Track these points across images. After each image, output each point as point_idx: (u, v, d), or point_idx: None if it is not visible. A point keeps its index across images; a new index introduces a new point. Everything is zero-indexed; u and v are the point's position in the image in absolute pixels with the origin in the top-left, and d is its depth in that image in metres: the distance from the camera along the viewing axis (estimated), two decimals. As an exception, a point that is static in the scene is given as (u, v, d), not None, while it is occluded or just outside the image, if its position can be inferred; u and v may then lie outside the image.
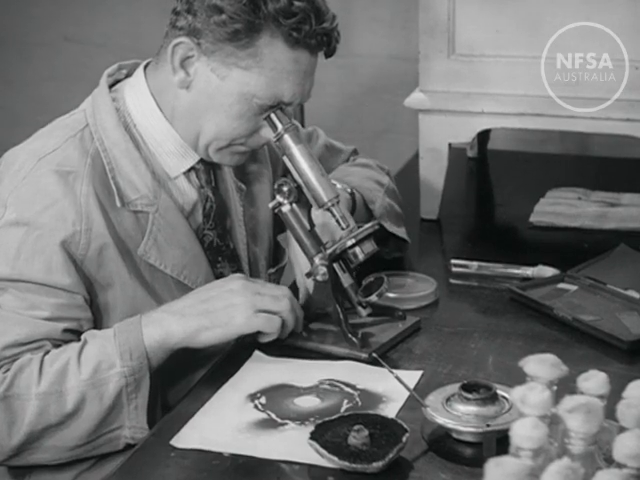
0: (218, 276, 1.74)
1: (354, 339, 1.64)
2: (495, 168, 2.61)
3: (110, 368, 1.55)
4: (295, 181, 1.67)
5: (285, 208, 1.68)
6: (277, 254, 1.93)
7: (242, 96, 1.63)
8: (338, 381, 1.58)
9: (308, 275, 1.67)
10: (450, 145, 2.24)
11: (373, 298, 1.66)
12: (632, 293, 1.81)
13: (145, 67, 1.72)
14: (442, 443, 1.42)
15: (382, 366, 1.55)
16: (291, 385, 1.58)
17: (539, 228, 2.19)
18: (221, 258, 1.76)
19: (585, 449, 1.10)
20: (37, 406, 1.54)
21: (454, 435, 1.42)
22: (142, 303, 1.66)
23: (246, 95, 1.63)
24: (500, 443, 1.30)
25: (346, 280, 1.68)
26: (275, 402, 1.54)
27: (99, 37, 3.24)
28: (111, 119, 1.67)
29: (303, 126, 2.95)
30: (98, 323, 1.65)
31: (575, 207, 2.25)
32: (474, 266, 1.96)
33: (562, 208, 2.24)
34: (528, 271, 1.93)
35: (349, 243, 1.64)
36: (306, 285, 1.72)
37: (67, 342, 1.60)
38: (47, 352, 1.58)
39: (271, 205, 1.69)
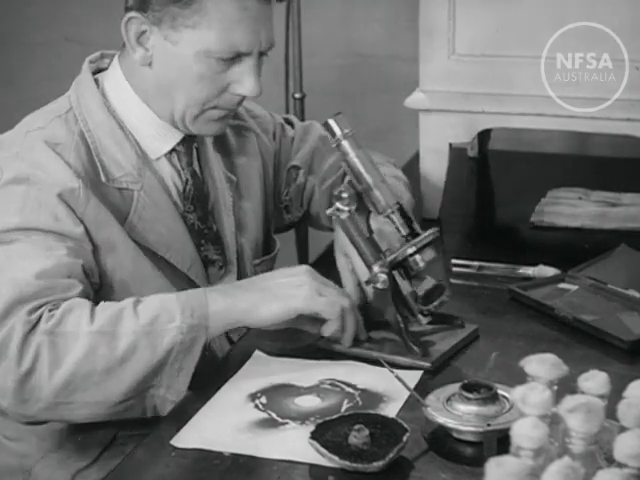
0: (203, 259, 1.75)
1: (415, 348, 1.61)
2: (495, 168, 2.61)
3: (169, 322, 1.52)
4: (354, 188, 1.64)
5: (344, 215, 1.65)
6: (267, 246, 1.92)
7: (198, 55, 1.62)
8: (338, 381, 1.58)
9: (367, 283, 1.65)
10: (451, 145, 2.24)
11: (434, 306, 1.64)
12: (633, 293, 1.81)
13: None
14: (442, 443, 1.42)
15: (382, 366, 1.55)
16: (292, 385, 1.58)
17: (540, 228, 2.19)
18: (204, 241, 1.76)
19: (586, 449, 1.10)
20: (86, 345, 1.49)
21: (455, 435, 1.42)
22: (145, 266, 1.65)
23: (202, 53, 1.62)
24: (501, 443, 1.30)
25: (405, 288, 1.65)
26: (276, 402, 1.54)
27: (100, 38, 3.24)
28: (94, 101, 1.69)
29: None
30: (103, 287, 1.63)
31: (575, 207, 2.25)
32: (475, 266, 1.96)
33: (562, 208, 2.24)
34: (529, 271, 1.93)
35: (410, 251, 1.62)
36: (365, 293, 1.69)
37: (87, 285, 1.58)
38: (87, 296, 1.56)
39: (329, 212, 1.67)
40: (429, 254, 1.63)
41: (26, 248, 1.56)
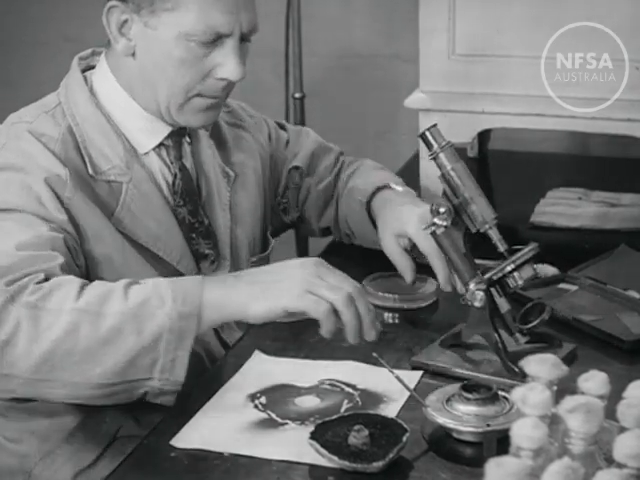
0: (194, 253, 1.74)
1: (515, 368, 1.54)
2: (495, 168, 2.61)
3: (159, 307, 1.45)
4: (450, 201, 1.61)
5: (440, 230, 1.60)
6: (263, 245, 1.92)
7: (178, 40, 1.61)
8: (338, 381, 1.58)
9: (463, 300, 1.61)
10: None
11: (533, 325, 1.59)
12: (632, 293, 1.81)
13: None
14: (442, 443, 1.42)
15: (382, 366, 1.54)
16: (291, 385, 1.58)
17: (540, 228, 2.19)
18: (195, 235, 1.75)
19: (585, 449, 1.10)
20: (68, 322, 1.43)
21: (454, 435, 1.42)
22: (134, 259, 1.64)
23: (181, 37, 1.61)
24: (500, 443, 1.30)
25: (503, 306, 1.60)
26: (275, 402, 1.54)
27: (99, 38, 3.24)
28: (82, 96, 1.68)
29: (303, 126, 2.95)
30: (92, 277, 1.59)
31: (575, 207, 2.25)
32: (474, 266, 1.96)
33: (562, 208, 2.24)
34: (528, 271, 1.93)
35: (509, 268, 1.58)
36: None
37: (70, 259, 1.55)
38: (70, 270, 1.52)
39: (424, 227, 1.64)
40: (528, 271, 1.59)
41: (6, 225, 1.54)
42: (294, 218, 2.00)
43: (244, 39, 1.65)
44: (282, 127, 2.03)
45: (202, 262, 1.75)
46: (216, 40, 1.62)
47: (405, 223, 1.75)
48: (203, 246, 1.76)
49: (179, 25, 1.60)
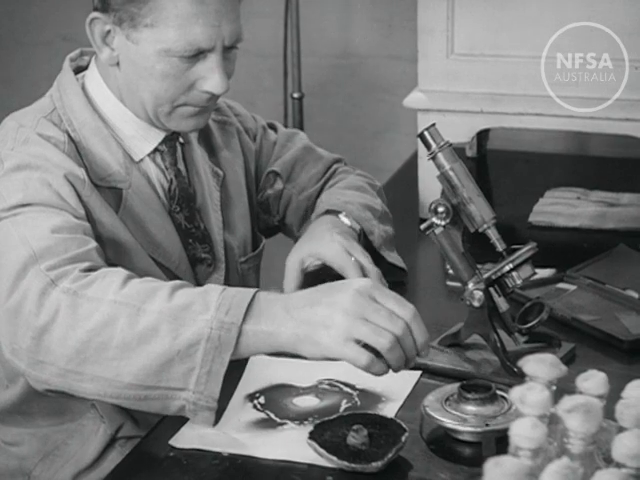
0: (191, 257, 1.73)
1: (514, 368, 1.54)
2: (494, 168, 2.61)
3: (201, 313, 1.38)
4: (449, 201, 1.60)
5: (438, 230, 1.60)
6: (253, 243, 1.90)
7: (159, 55, 1.59)
8: (337, 381, 1.58)
9: (462, 300, 1.60)
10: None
11: (532, 325, 1.59)
12: (631, 293, 1.81)
13: None
14: (441, 443, 1.42)
15: None
16: (290, 385, 1.58)
17: (538, 228, 2.19)
18: (192, 240, 1.74)
19: (584, 449, 1.10)
20: (106, 313, 1.39)
21: (453, 435, 1.42)
22: (144, 259, 1.63)
23: (162, 53, 1.59)
24: (499, 443, 1.30)
25: (502, 305, 1.60)
26: (274, 402, 1.54)
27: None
28: (78, 100, 1.67)
29: (302, 126, 2.96)
30: None
31: (574, 207, 2.25)
32: (473, 266, 1.95)
33: (561, 208, 2.24)
34: (527, 271, 1.93)
35: (507, 267, 1.58)
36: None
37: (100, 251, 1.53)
38: (101, 255, 1.51)
39: (423, 226, 1.62)
40: (527, 271, 1.59)
41: (32, 215, 1.52)
42: (275, 222, 1.97)
43: (230, 49, 1.64)
44: (273, 128, 1.99)
45: (198, 266, 1.74)
46: (198, 54, 1.60)
47: (323, 246, 1.71)
48: (199, 251, 1.75)
49: (160, 41, 1.58)
